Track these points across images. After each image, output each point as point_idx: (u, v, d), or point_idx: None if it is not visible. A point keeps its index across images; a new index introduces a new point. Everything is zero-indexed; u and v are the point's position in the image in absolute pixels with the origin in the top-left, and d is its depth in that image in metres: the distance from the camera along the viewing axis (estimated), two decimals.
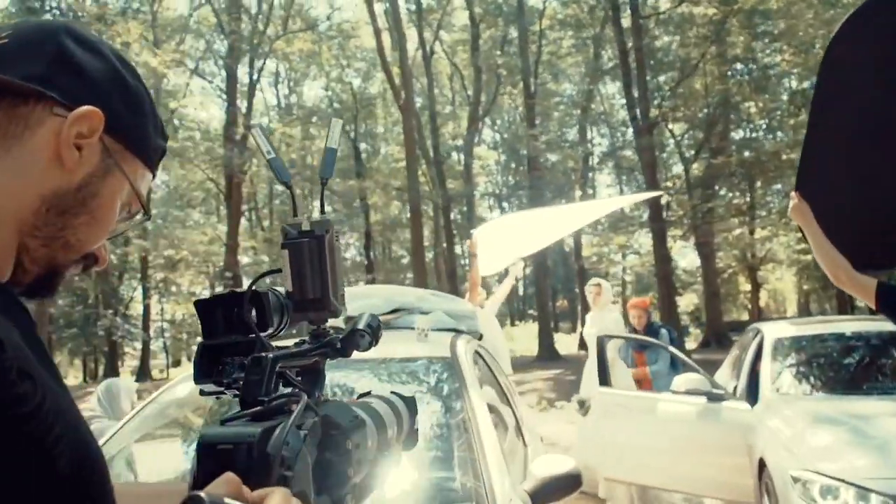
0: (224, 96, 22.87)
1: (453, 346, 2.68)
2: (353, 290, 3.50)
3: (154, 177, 0.79)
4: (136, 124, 0.74)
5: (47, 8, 19.35)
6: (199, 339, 0.90)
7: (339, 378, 2.46)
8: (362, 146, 29.68)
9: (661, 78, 23.10)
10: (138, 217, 0.78)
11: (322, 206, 0.91)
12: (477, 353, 3.01)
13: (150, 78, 20.84)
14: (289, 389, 0.79)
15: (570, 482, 2.15)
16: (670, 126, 23.23)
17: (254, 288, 0.88)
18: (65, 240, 0.69)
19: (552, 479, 2.12)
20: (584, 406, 5.40)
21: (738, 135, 24.19)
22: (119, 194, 0.72)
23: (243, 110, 22.29)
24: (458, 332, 3.21)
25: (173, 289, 27.02)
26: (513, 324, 34.81)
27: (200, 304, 0.88)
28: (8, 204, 0.64)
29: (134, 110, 0.73)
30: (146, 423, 2.62)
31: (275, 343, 0.89)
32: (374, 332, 0.88)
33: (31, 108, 0.66)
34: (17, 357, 0.53)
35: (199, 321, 0.88)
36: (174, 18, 25.10)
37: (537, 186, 21.92)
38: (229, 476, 0.57)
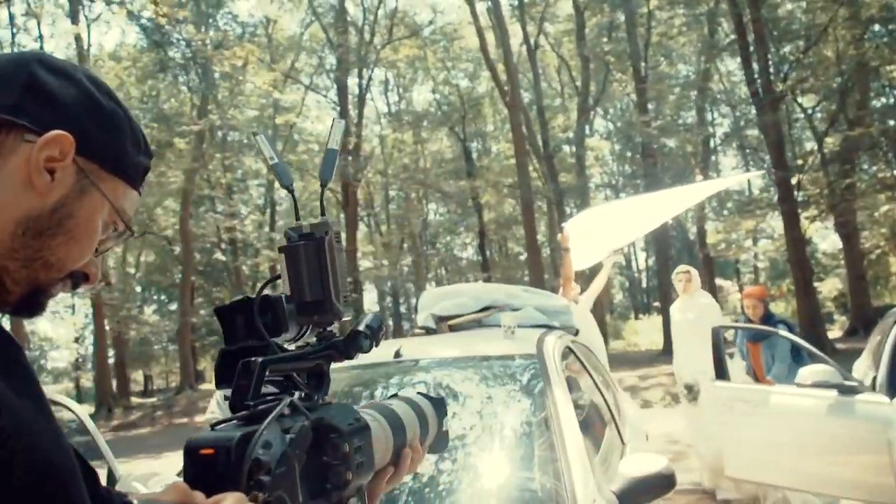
0: (337, 108, 23.76)
1: (540, 343, 2.62)
2: (443, 289, 3.51)
3: (140, 194, 0.80)
4: (112, 144, 0.75)
5: (172, 41, 20.91)
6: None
7: (421, 377, 2.47)
8: (473, 146, 29.85)
9: (786, 48, 21.53)
10: (125, 234, 0.79)
11: (322, 208, 0.91)
12: (569, 348, 2.93)
13: (263, 97, 22.05)
14: (276, 392, 0.79)
15: (662, 483, 2.03)
16: (799, 99, 21.60)
17: (266, 293, 0.89)
18: (44, 260, 0.71)
19: (641, 479, 2.01)
20: (692, 391, 5.14)
21: (878, 102, 22.11)
22: (98, 213, 0.74)
23: (355, 120, 23.05)
24: (549, 328, 3.14)
25: None
26: (636, 317, 33.74)
27: (220, 311, 0.91)
28: None
29: (109, 131, 0.75)
30: None
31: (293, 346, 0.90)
32: (374, 333, 0.87)
33: (3, 137, 0.69)
34: None
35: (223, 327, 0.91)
36: (288, 38, 26.39)
37: (653, 174, 21.10)
38: (178, 483, 0.57)
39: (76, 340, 27.49)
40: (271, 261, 23.31)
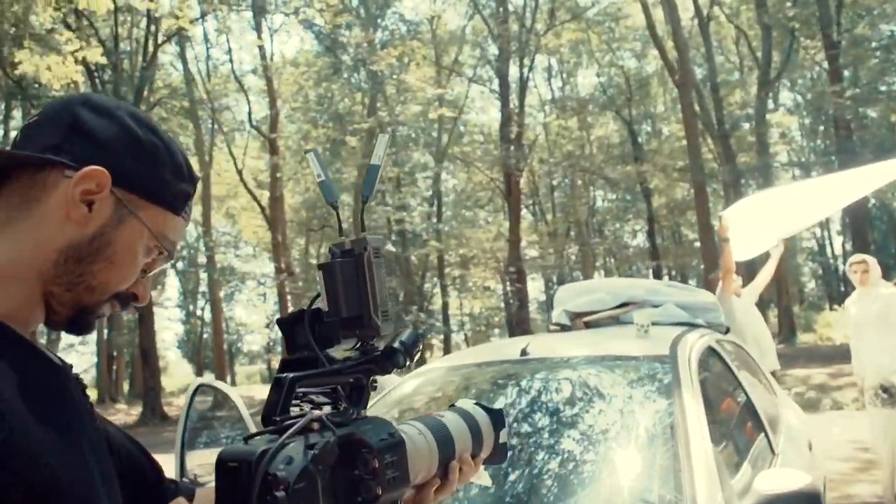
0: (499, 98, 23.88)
1: (676, 343, 2.47)
2: (580, 284, 3.42)
3: (186, 220, 0.87)
4: (150, 175, 0.82)
5: (342, 44, 22.14)
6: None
7: (544, 376, 2.43)
8: (640, 129, 28.66)
9: None
10: (169, 257, 0.86)
11: (362, 223, 0.92)
12: (712, 348, 2.73)
13: (428, 92, 22.67)
14: (307, 407, 0.81)
15: (802, 502, 1.84)
16: None
17: (317, 307, 0.92)
18: (86, 284, 0.79)
19: (777, 496, 1.84)
20: (890, 394, 4.57)
21: None
22: (138, 240, 0.81)
23: (517, 109, 23.03)
24: (693, 325, 2.95)
25: (470, 285, 28.88)
26: (830, 308, 30.63)
27: (281, 322, 0.96)
28: (28, 259, 0.77)
29: (146, 163, 0.81)
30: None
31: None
32: (408, 349, 0.87)
33: (47, 174, 0.78)
34: None
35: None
36: (450, 32, 26.92)
37: (848, 149, 18.98)
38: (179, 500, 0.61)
39: (267, 326, 30.26)
40: (438, 251, 24.06)
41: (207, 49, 25.01)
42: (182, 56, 23.09)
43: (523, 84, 23.98)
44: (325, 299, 0.87)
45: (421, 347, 0.90)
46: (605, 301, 3.10)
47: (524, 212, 27.21)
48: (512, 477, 2.04)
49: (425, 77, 23.37)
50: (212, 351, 27.22)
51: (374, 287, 0.88)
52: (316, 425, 0.78)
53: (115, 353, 27.55)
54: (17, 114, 20.73)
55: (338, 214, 0.93)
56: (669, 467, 1.90)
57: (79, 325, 0.81)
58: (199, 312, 33.17)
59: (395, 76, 22.62)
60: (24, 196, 0.78)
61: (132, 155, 0.81)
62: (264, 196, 24.09)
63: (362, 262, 0.88)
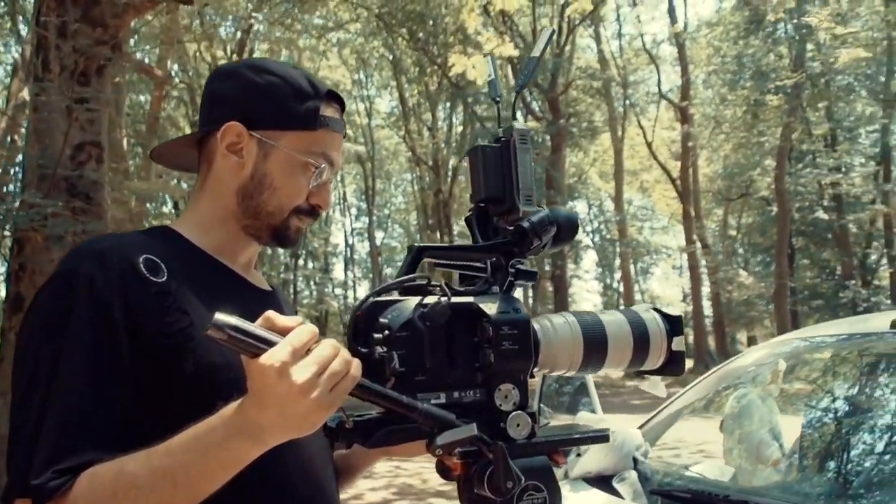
0: None
1: None
2: None
3: (334, 130, 1.01)
4: (276, 110, 0.99)
5: None
6: None
7: None
8: None
9: None
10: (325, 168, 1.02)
11: (514, 112, 0.96)
12: None
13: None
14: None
15: None
16: None
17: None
18: (266, 211, 1.01)
19: None
20: None
21: None
22: (289, 163, 1.00)
23: None
24: None
25: None
26: None
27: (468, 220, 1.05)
28: (221, 208, 1.02)
29: (270, 100, 0.99)
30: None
31: None
32: (535, 229, 0.88)
33: (210, 143, 1.03)
34: (179, 300, 0.91)
35: None
36: None
37: None
38: (269, 312, 0.75)
39: (683, 299, 29.57)
40: (885, 216, 20.29)
41: (619, 26, 25.47)
42: (595, 35, 23.98)
43: None
44: (471, 185, 0.93)
45: (554, 230, 0.89)
46: None
47: None
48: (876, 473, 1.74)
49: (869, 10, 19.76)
50: None
51: (518, 170, 0.90)
52: (437, 290, 0.85)
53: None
54: (458, 111, 24.25)
55: (498, 109, 0.97)
56: None
57: (281, 241, 1.04)
58: (614, 285, 34.29)
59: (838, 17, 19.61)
60: (205, 164, 1.05)
61: (256, 100, 1.00)
62: (677, 168, 23.58)
63: (507, 146, 0.91)
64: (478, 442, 0.77)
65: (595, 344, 0.90)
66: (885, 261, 21.99)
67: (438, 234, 21.93)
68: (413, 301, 0.83)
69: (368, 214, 28.79)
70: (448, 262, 0.92)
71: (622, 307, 0.97)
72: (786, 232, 20.34)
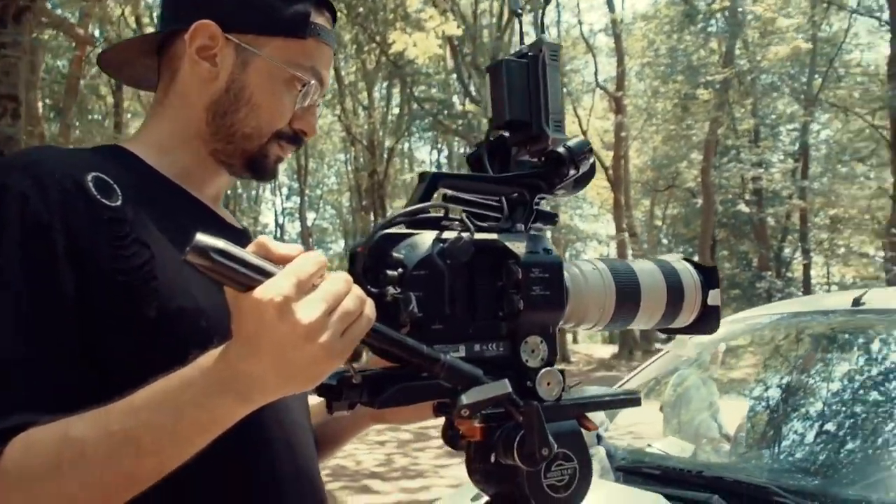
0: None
1: None
2: None
3: (324, 42, 0.83)
4: (256, 9, 0.80)
5: None
6: None
7: (885, 332, 1.97)
8: None
9: None
10: (314, 84, 0.83)
11: (541, 26, 0.82)
12: None
13: (801, 31, 19.83)
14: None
15: None
16: None
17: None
18: (241, 133, 0.82)
19: None
20: None
21: None
22: (272, 76, 0.81)
23: None
24: None
25: (841, 250, 25.10)
26: None
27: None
28: (184, 127, 0.83)
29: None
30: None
31: None
32: (574, 156, 0.75)
33: (175, 48, 0.83)
34: (137, 230, 0.72)
35: None
36: None
37: None
38: (262, 237, 0.60)
39: None
40: (801, 210, 21.30)
41: (559, 14, 25.65)
42: (534, 22, 24.03)
43: None
44: (491, 107, 0.80)
45: (592, 159, 0.77)
46: None
47: None
48: (836, 444, 1.73)
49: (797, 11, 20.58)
50: None
51: (548, 91, 0.77)
52: (458, 225, 0.71)
53: None
54: (395, 91, 23.94)
55: (520, 23, 0.84)
56: None
57: (256, 171, 0.86)
58: None
59: (762, 17, 20.33)
60: (167, 73, 0.85)
61: None
62: (609, 157, 24.03)
63: (536, 63, 0.77)
64: (508, 403, 0.65)
65: (628, 294, 0.78)
66: (798, 254, 23.12)
67: (372, 216, 21.63)
68: (429, 235, 0.69)
69: (300, 194, 28.09)
70: (466, 197, 0.78)
71: (656, 258, 0.86)
72: (710, 223, 21.05)
